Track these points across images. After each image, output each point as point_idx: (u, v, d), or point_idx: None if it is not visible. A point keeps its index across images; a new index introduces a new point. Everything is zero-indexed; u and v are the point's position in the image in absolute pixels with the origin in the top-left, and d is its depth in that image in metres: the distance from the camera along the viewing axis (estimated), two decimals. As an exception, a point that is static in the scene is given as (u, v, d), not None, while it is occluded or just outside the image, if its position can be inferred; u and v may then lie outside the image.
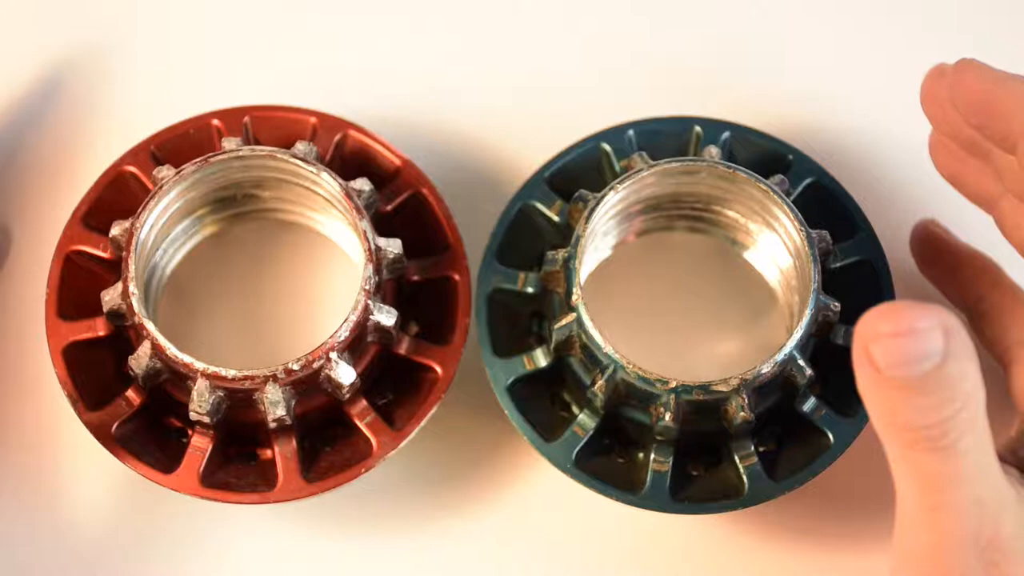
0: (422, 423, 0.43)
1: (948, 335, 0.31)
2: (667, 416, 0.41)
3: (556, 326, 0.42)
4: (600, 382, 0.41)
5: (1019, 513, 0.35)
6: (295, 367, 0.41)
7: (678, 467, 0.42)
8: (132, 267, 0.42)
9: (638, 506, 0.42)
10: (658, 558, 0.45)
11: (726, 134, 0.46)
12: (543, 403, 0.44)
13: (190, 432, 0.43)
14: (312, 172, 0.44)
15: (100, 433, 0.42)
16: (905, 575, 0.35)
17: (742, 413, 0.41)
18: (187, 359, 0.41)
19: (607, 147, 0.46)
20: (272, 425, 0.42)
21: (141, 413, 0.43)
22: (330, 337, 0.41)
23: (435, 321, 0.45)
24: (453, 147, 0.50)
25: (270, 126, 0.47)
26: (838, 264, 0.44)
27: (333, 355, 0.41)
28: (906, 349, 0.31)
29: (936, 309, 0.31)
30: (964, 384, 0.32)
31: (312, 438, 0.43)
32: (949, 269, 0.46)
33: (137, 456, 0.42)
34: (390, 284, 0.44)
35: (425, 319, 0.45)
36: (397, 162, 0.46)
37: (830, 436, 0.42)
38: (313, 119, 0.46)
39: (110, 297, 0.42)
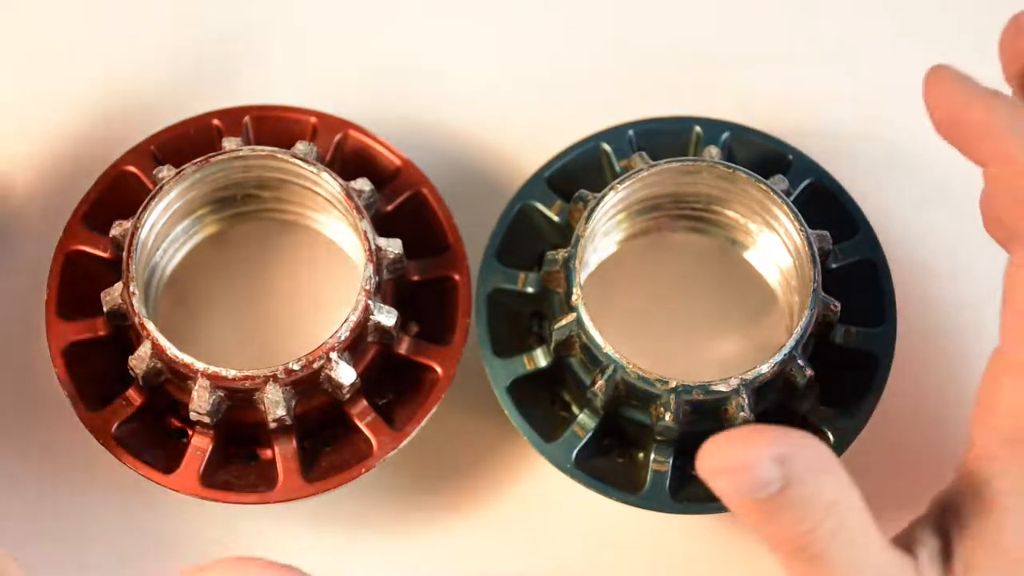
0: (422, 423, 0.43)
1: (785, 462, 0.31)
2: (667, 416, 0.41)
3: (556, 326, 0.42)
4: (600, 382, 0.41)
5: None
6: (295, 367, 0.41)
7: (678, 467, 0.42)
8: (132, 267, 0.42)
9: (638, 506, 0.42)
10: (658, 558, 0.45)
11: (726, 134, 0.46)
12: (543, 403, 0.44)
13: (190, 432, 0.43)
14: (312, 172, 0.44)
15: (100, 433, 0.42)
16: None
17: (742, 413, 0.41)
18: (187, 359, 0.41)
19: (607, 147, 0.46)
20: (272, 425, 0.42)
21: (141, 413, 0.43)
22: (330, 337, 0.41)
23: (435, 321, 0.45)
24: (453, 147, 0.50)
25: (270, 126, 0.47)
26: (838, 264, 0.44)
27: (333, 355, 0.41)
28: (742, 482, 0.31)
29: (768, 438, 0.32)
30: (819, 499, 0.32)
31: (312, 438, 0.43)
32: None
33: (137, 456, 0.42)
34: (390, 284, 0.44)
35: (425, 319, 0.45)
36: (397, 162, 0.46)
37: (830, 436, 0.42)
38: (313, 119, 0.46)
39: (110, 297, 0.42)
